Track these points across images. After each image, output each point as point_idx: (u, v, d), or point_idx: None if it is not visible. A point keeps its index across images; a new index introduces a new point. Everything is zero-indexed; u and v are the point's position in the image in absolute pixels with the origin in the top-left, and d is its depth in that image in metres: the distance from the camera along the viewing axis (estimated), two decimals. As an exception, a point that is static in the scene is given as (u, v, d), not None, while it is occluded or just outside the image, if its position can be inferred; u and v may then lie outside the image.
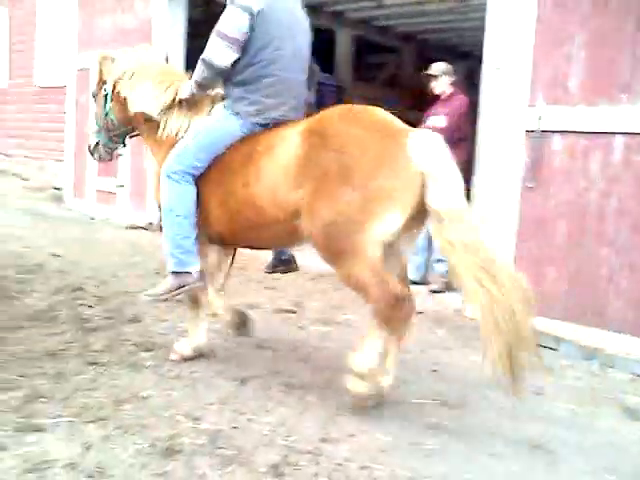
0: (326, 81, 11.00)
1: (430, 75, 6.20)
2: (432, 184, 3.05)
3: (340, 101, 11.10)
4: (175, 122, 3.82)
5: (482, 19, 5.64)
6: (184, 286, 3.68)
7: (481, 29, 5.65)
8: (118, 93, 4.02)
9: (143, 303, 4.65)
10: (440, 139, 3.21)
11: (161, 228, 4.05)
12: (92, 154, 4.35)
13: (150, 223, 8.55)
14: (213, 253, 3.96)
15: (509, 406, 3.67)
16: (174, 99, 3.80)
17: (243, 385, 3.62)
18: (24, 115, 12.53)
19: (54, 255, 6.43)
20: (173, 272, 3.68)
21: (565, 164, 4.93)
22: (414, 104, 11.88)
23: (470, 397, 3.79)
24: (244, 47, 3.49)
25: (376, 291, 3.13)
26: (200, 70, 3.60)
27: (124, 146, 4.36)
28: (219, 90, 3.79)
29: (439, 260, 6.03)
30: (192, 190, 3.62)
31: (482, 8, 5.74)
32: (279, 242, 3.76)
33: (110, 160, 4.47)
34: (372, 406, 3.42)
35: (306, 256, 7.11)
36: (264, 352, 4.20)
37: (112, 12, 9.27)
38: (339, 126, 3.25)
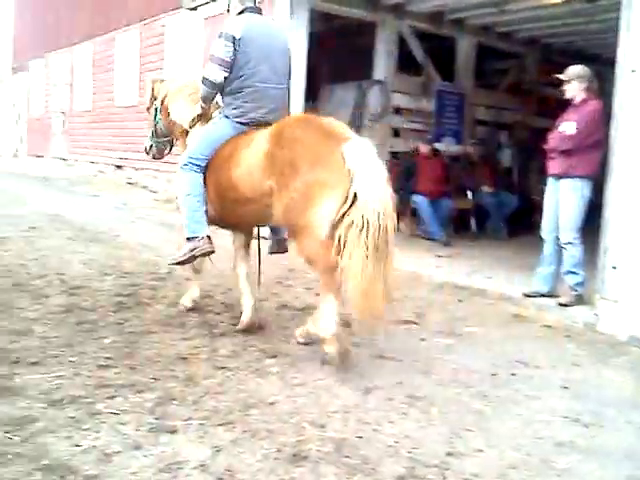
0: (446, 89, 10.86)
1: (562, 79, 5.93)
2: (357, 178, 3.78)
3: (461, 109, 10.95)
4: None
5: (611, 20, 5.38)
6: (196, 248, 4.57)
7: (610, 30, 5.39)
8: (164, 108, 5.21)
9: (266, 311, 4.80)
10: (371, 145, 3.96)
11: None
12: (147, 153, 5.53)
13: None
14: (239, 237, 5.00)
15: (649, 427, 3.45)
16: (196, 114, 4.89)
17: (366, 395, 3.60)
18: (153, 130, 13.17)
19: (182, 263, 6.68)
20: (187, 238, 4.60)
21: None
22: (538, 110, 11.54)
23: (605, 415, 3.58)
24: (231, 66, 4.45)
25: (320, 263, 3.96)
26: (203, 89, 4.63)
27: (172, 148, 5.49)
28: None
29: (569, 272, 5.77)
30: (199, 176, 4.61)
31: (613, 9, 5.47)
32: (255, 218, 4.56)
33: (161, 158, 5.63)
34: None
35: (426, 266, 7.06)
36: (386, 362, 4.17)
37: (237, 29, 9.57)
38: (292, 130, 4.14)
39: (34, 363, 3.69)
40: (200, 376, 3.66)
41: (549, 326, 5.34)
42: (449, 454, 2.99)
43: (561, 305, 5.74)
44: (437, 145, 10.24)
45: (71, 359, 3.79)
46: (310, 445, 2.93)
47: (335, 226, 3.85)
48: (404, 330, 4.90)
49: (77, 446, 2.79)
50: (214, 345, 4.24)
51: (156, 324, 4.60)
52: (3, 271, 5.73)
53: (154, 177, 13.29)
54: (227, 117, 4.56)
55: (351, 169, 3.80)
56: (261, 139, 4.25)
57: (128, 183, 14.21)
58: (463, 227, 10.00)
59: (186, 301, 5.07)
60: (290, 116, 4.57)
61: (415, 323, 5.09)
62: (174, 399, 3.33)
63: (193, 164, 4.59)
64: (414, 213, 9.49)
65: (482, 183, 10.24)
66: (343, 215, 3.80)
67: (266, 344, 4.33)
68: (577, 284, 5.73)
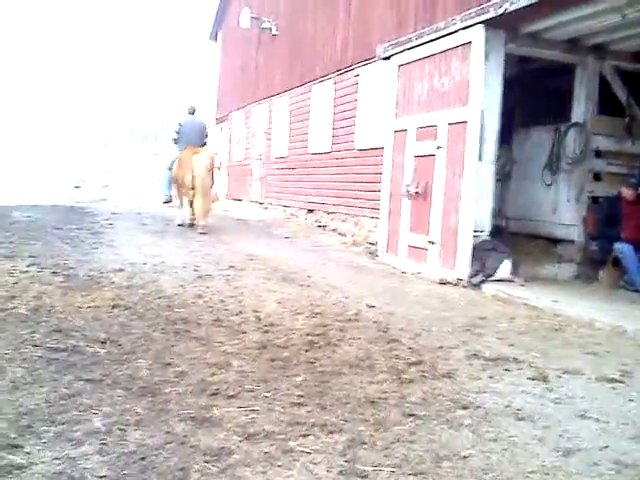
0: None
1: None
2: (194, 168, 11.95)
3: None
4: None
5: None
6: (166, 201, 14.97)
7: None
8: None
9: (455, 360, 4.68)
10: (205, 155, 12.35)
11: (473, 284, 8.23)
12: None
13: (459, 279, 8.53)
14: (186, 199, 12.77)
15: None
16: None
17: (567, 456, 3.32)
18: (344, 176, 13.59)
19: (370, 306, 6.72)
20: (165, 195, 15.07)
21: None
22: None
23: None
24: (179, 133, 13.53)
25: (187, 198, 12.94)
26: (172, 141, 14.14)
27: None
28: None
29: None
30: (170, 172, 13.44)
31: None
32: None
33: None
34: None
35: (631, 320, 6.50)
36: (588, 423, 3.84)
37: (430, 77, 9.62)
38: (183, 153, 12.65)
39: (231, 396, 3.84)
40: (390, 422, 3.60)
41: None
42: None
43: None
44: (643, 189, 9.54)
45: (266, 394, 3.90)
46: (507, 506, 2.75)
47: (190, 185, 11.96)
48: (609, 389, 4.50)
49: (271, 482, 2.83)
50: (403, 391, 4.16)
51: (345, 365, 4.62)
52: (205, 307, 6.10)
53: (343, 221, 13.63)
54: (179, 150, 12.98)
55: (193, 165, 11.83)
56: (180, 156, 12.71)
57: (318, 226, 14.68)
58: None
59: (177, 220, 12.93)
60: (188, 148, 12.47)
61: (621, 382, 4.67)
62: (364, 443, 3.29)
63: (169, 167, 13.38)
64: (616, 262, 8.85)
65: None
66: (193, 180, 11.84)
67: (457, 394, 4.18)
68: None
